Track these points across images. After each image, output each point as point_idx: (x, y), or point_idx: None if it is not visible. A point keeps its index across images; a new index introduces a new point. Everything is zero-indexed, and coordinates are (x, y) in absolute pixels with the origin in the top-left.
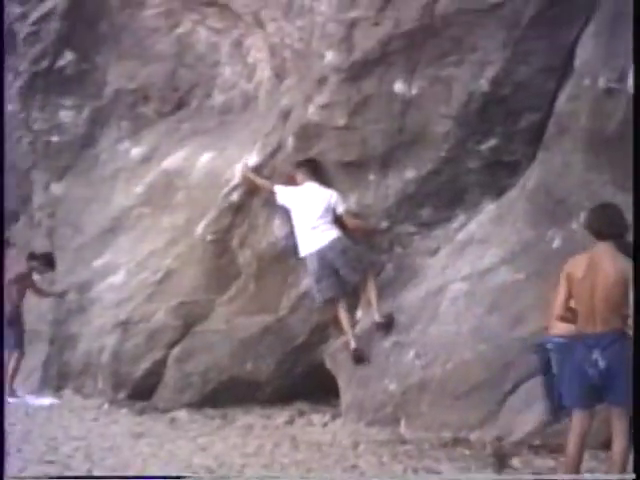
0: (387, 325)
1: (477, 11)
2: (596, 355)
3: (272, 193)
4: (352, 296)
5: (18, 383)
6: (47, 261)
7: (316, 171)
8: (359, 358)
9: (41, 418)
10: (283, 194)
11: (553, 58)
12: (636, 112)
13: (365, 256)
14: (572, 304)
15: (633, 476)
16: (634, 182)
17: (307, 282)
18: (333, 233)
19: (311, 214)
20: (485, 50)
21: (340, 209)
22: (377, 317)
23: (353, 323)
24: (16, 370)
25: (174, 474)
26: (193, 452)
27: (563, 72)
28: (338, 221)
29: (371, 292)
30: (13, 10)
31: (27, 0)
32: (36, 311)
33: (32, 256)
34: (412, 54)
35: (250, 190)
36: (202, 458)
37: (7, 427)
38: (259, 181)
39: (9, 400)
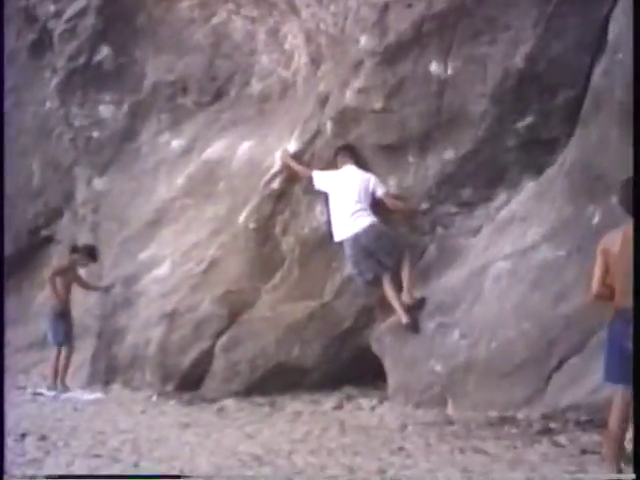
0: (417, 308)
1: None
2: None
3: (310, 178)
4: (397, 279)
5: (67, 378)
6: (89, 253)
7: (355, 155)
8: (413, 330)
9: (89, 413)
10: (321, 179)
11: (586, 33)
12: (636, 113)
13: (400, 241)
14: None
15: (633, 476)
16: (634, 181)
17: (351, 263)
18: (367, 220)
19: (348, 198)
20: (518, 28)
21: (379, 192)
22: (408, 300)
23: (400, 302)
24: (66, 366)
25: (221, 463)
26: (240, 440)
27: (597, 47)
28: (378, 204)
29: (405, 277)
30: (47, 8)
31: None
32: (83, 306)
33: (74, 249)
34: (446, 35)
35: (291, 177)
36: (249, 446)
37: (54, 423)
38: (298, 167)
39: (61, 396)
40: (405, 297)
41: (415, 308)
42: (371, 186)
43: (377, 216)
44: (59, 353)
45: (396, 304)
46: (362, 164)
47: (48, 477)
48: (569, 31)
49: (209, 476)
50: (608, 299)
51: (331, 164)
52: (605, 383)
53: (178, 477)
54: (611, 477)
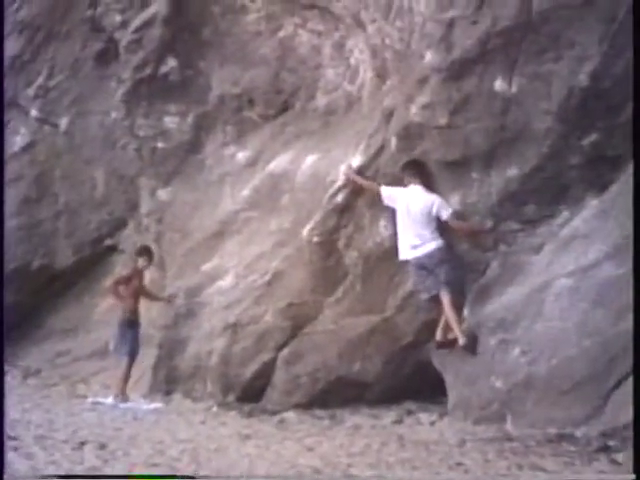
0: (472, 345)
1: (574, 6)
2: None
3: (378, 194)
4: (459, 294)
5: (128, 388)
6: (146, 252)
7: (422, 173)
8: (470, 352)
9: (149, 422)
10: (388, 195)
11: None
12: (636, 112)
13: (457, 272)
14: None
15: (633, 476)
16: (634, 181)
17: (413, 281)
18: (433, 244)
19: (414, 220)
20: (583, 45)
21: (445, 215)
22: (461, 340)
23: (461, 319)
24: (127, 375)
25: (280, 475)
26: (299, 453)
27: None
28: (444, 226)
29: (450, 314)
30: (114, 19)
31: (127, 8)
32: (146, 316)
33: (139, 253)
34: (511, 51)
35: (355, 191)
36: (308, 458)
37: (113, 431)
38: (364, 182)
39: (121, 406)
40: (460, 339)
41: (470, 347)
42: (435, 209)
43: (442, 237)
44: (130, 363)
45: (454, 324)
46: (430, 180)
47: (48, 477)
48: (634, 47)
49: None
50: None
51: (397, 179)
52: None
53: (178, 477)
54: (611, 477)
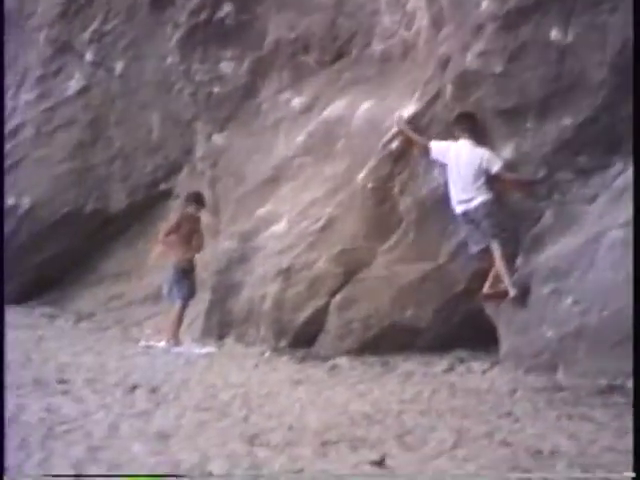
0: (522, 298)
1: None
2: None
3: (426, 148)
4: (513, 244)
5: (180, 332)
6: (197, 200)
7: (472, 127)
8: (520, 304)
9: (201, 366)
10: (437, 150)
11: None
12: (636, 107)
13: (506, 224)
14: None
15: (633, 475)
16: (634, 181)
17: (464, 234)
18: (479, 198)
19: (463, 174)
20: None
21: (494, 169)
22: (511, 291)
23: (512, 270)
24: (180, 320)
25: (331, 420)
26: (351, 399)
27: None
28: (494, 179)
29: (500, 266)
30: None
31: None
32: (200, 260)
33: (187, 198)
34: (566, 1)
35: (408, 140)
36: (359, 404)
37: (165, 376)
38: (414, 136)
39: (173, 350)
40: (510, 291)
41: (520, 300)
42: (485, 163)
43: (493, 190)
44: (183, 308)
45: (505, 276)
46: (481, 133)
47: (47, 477)
48: None
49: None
50: None
51: (449, 130)
52: None
53: (177, 477)
54: (611, 477)
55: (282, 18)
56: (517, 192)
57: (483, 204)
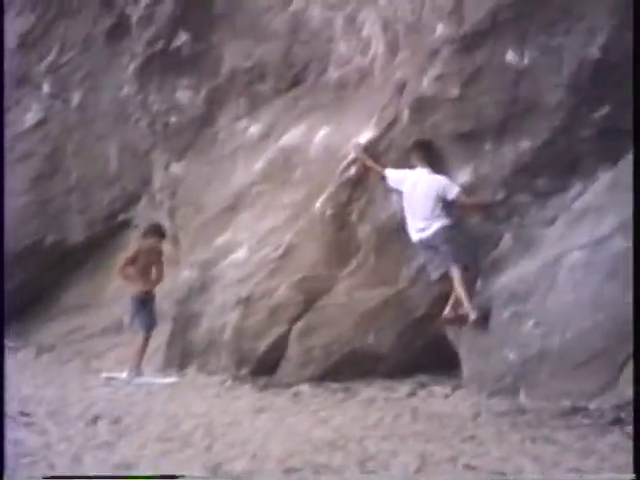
0: (483, 321)
1: None
2: None
3: (383, 177)
4: (473, 267)
5: (143, 362)
6: (157, 230)
7: (429, 154)
8: (481, 327)
9: (163, 397)
10: (393, 178)
11: None
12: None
13: (466, 248)
14: None
15: (633, 476)
16: (634, 181)
17: (423, 261)
18: (437, 224)
19: (419, 203)
20: (594, 17)
21: (451, 195)
22: (472, 315)
23: (473, 293)
24: (143, 350)
25: (294, 448)
26: (313, 426)
27: None
28: (453, 204)
29: (461, 289)
30: None
31: None
32: (160, 291)
33: (146, 233)
34: (522, 23)
35: (365, 167)
36: (322, 431)
37: (127, 406)
38: (370, 164)
39: (135, 380)
40: (471, 315)
41: (481, 322)
42: (442, 190)
43: (451, 215)
44: (146, 339)
45: (465, 300)
46: (437, 160)
47: (47, 477)
48: None
49: (209, 476)
50: None
51: (407, 156)
52: None
53: (176, 477)
54: (611, 477)
55: (238, 46)
56: (476, 215)
57: (441, 229)
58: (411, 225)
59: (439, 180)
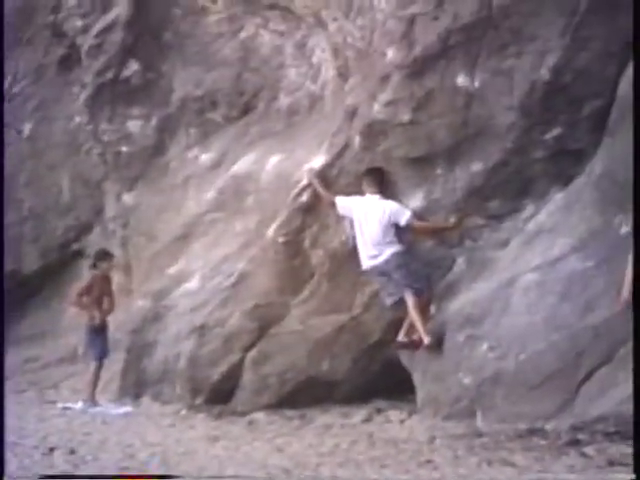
0: (437, 346)
1: (534, 0)
2: None
3: (333, 204)
4: (423, 295)
5: (97, 392)
6: (103, 255)
7: (380, 181)
8: (435, 351)
9: (118, 426)
10: (342, 206)
11: (612, 43)
12: (636, 107)
13: (419, 273)
14: None
15: (633, 476)
16: (634, 181)
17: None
18: (389, 250)
19: (370, 231)
20: (544, 39)
21: (404, 220)
22: (426, 340)
23: (427, 318)
24: (96, 380)
25: (249, 476)
26: (269, 453)
27: (623, 57)
28: (406, 229)
29: (415, 315)
30: (75, 24)
31: (89, 13)
32: (114, 320)
33: (93, 263)
34: (472, 47)
35: (317, 193)
36: (278, 459)
37: (83, 437)
38: (321, 191)
39: (90, 410)
40: (425, 339)
41: (435, 347)
42: (394, 216)
43: (403, 241)
44: (98, 368)
45: (418, 325)
46: (388, 186)
47: (47, 477)
48: (595, 41)
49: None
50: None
51: (358, 182)
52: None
53: (175, 477)
54: (611, 477)
55: (188, 75)
56: (429, 238)
57: (394, 256)
58: (363, 252)
59: (390, 205)
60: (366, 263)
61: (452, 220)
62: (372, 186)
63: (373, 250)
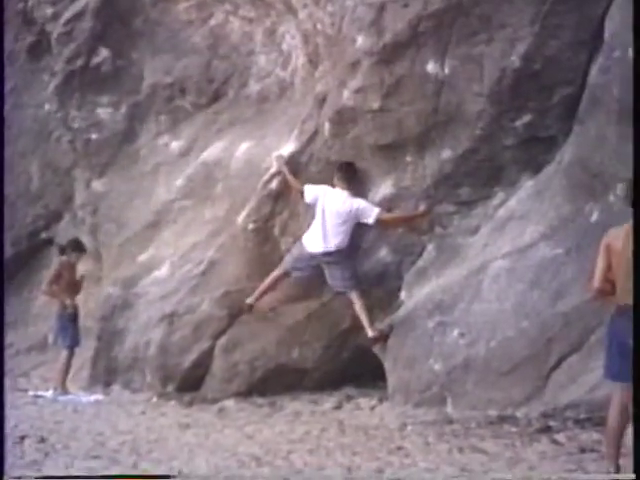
0: (382, 339)
1: None
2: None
3: (301, 193)
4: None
5: (67, 380)
6: (76, 247)
7: (351, 176)
8: (381, 344)
9: (89, 414)
10: (310, 195)
11: (583, 31)
12: (636, 112)
13: (350, 274)
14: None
15: (633, 476)
16: (634, 179)
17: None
18: (341, 245)
19: (326, 223)
20: (514, 26)
21: (372, 219)
22: (373, 334)
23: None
24: (67, 368)
25: (220, 463)
26: (239, 441)
27: (593, 45)
28: (378, 224)
29: (360, 313)
30: (45, 11)
31: (58, 0)
32: (84, 308)
33: (62, 250)
34: (442, 34)
35: (287, 180)
36: (248, 446)
37: (53, 425)
38: (290, 179)
39: (60, 398)
40: (370, 333)
41: (383, 339)
42: (362, 215)
43: (355, 240)
44: (69, 356)
45: (362, 318)
46: (359, 182)
47: (47, 477)
48: (566, 29)
49: (208, 476)
50: (609, 295)
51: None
52: (605, 380)
53: (176, 477)
54: (611, 477)
55: (157, 62)
56: (401, 228)
57: (342, 251)
58: (315, 237)
59: (358, 203)
60: (313, 247)
61: (421, 208)
62: (342, 181)
63: (323, 242)
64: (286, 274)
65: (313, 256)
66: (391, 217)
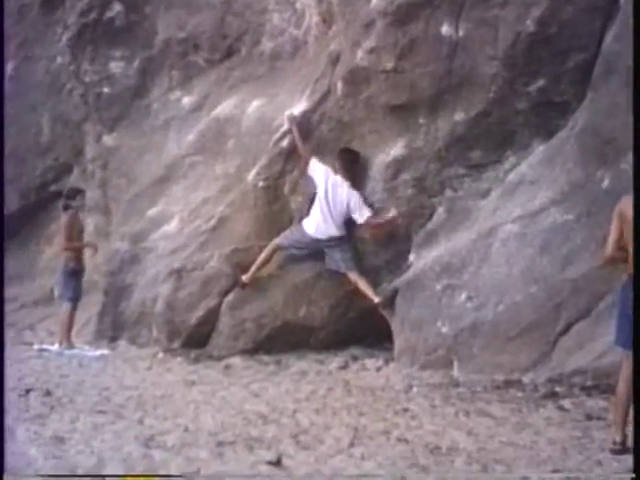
0: (388, 304)
1: None
2: None
3: (306, 162)
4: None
5: (73, 334)
6: (75, 193)
7: (352, 165)
8: (388, 309)
9: (95, 369)
10: (314, 170)
11: None
12: (636, 104)
13: (350, 256)
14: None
15: (633, 476)
16: (634, 178)
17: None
18: (337, 232)
19: (328, 209)
20: None
21: (362, 219)
22: (375, 299)
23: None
24: (71, 322)
25: (225, 421)
26: (246, 398)
27: (609, 11)
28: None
29: (362, 287)
30: None
31: None
32: (91, 262)
33: (65, 206)
34: None
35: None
36: (254, 404)
37: (59, 379)
38: (299, 142)
39: (66, 352)
40: (375, 299)
41: (387, 304)
42: (354, 210)
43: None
44: (71, 310)
45: (365, 288)
46: (359, 172)
47: (47, 477)
48: None
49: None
50: (622, 262)
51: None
52: (613, 348)
53: (173, 477)
54: (611, 477)
55: (171, 17)
56: (383, 232)
57: (338, 239)
58: (316, 222)
59: (355, 198)
60: (311, 230)
61: (392, 214)
62: (344, 171)
63: (323, 225)
64: (280, 248)
65: (315, 240)
66: (377, 222)
